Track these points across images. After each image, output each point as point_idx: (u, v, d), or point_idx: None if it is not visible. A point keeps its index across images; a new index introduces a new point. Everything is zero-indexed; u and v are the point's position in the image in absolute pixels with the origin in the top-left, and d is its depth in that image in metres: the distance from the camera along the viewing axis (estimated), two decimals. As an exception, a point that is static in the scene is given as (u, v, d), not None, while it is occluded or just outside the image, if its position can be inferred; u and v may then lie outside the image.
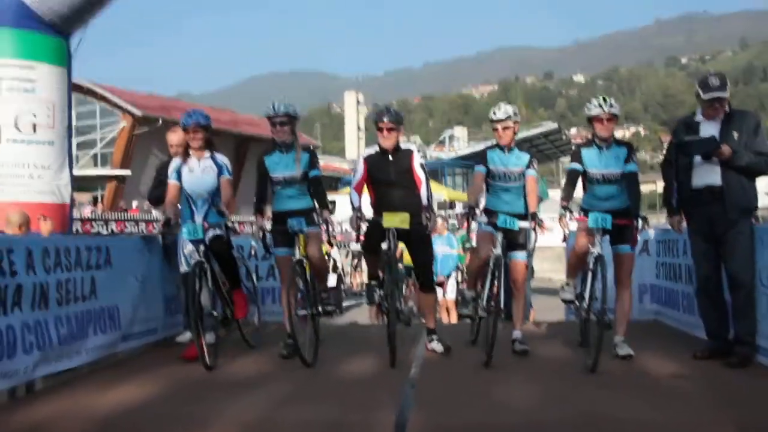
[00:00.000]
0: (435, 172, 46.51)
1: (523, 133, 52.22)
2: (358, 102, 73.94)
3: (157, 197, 7.40)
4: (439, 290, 12.19)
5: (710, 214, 5.57)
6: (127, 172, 37.43)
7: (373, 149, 6.17)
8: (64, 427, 4.32)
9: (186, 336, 7.10)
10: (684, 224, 5.91)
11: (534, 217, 5.77)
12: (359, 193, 6.07)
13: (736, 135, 5.49)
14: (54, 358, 5.27)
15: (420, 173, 6.03)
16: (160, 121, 35.07)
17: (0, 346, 4.70)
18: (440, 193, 33.07)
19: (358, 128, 72.65)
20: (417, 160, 6.06)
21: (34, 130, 8.66)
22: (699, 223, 5.72)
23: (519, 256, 6.09)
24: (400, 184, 6.07)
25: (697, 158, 5.61)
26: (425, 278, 6.41)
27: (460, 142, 76.91)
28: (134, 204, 32.73)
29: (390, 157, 6.05)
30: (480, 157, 6.14)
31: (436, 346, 6.23)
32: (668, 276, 7.53)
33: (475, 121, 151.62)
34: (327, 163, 50.25)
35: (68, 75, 9.22)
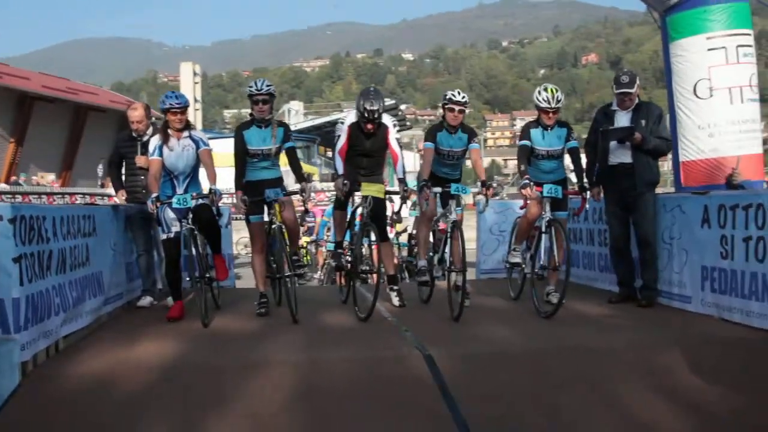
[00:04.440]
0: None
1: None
2: (195, 73, 71.61)
3: (117, 174, 7.67)
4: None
5: (623, 186, 6.90)
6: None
7: (355, 118, 6.80)
8: (125, 373, 4.77)
9: (146, 300, 7.50)
10: (602, 194, 7.19)
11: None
12: (343, 158, 6.77)
13: (643, 123, 6.83)
14: (69, 320, 5.59)
15: (396, 148, 6.88)
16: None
17: (42, 307, 5.02)
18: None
19: (195, 100, 70.04)
20: (392, 135, 6.87)
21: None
22: (613, 193, 7.04)
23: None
24: (375, 156, 6.91)
25: (614, 142, 6.91)
26: (383, 232, 7.19)
27: (299, 116, 77.34)
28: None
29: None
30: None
31: (395, 299, 7.08)
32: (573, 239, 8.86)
33: (307, 96, 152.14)
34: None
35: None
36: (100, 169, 37.41)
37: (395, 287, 7.17)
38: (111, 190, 33.23)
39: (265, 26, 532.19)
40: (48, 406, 4.39)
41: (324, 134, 58.04)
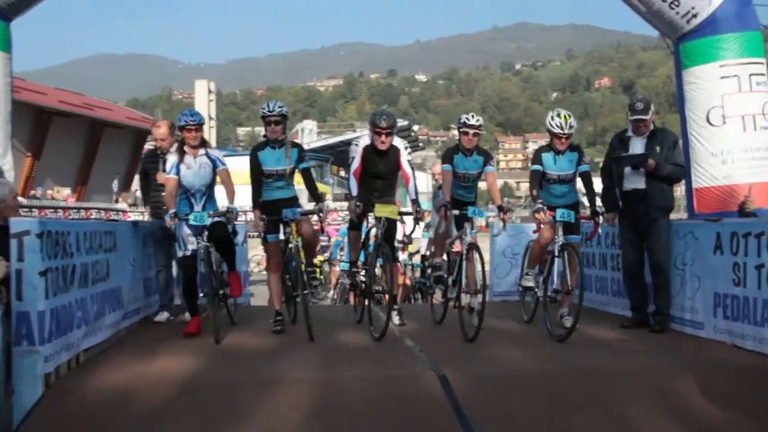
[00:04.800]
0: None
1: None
2: (210, 91, 72.26)
3: (145, 189, 7.87)
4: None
5: (637, 212, 6.97)
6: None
7: (369, 141, 6.92)
8: (144, 387, 4.86)
9: (163, 316, 7.61)
10: (616, 220, 7.25)
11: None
12: (357, 180, 6.90)
13: (658, 149, 6.91)
14: (90, 334, 5.70)
15: (408, 169, 6.99)
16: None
17: (65, 320, 5.13)
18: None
19: (210, 117, 70.45)
20: (404, 157, 6.99)
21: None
22: (628, 219, 7.11)
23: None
24: (387, 178, 7.03)
25: (628, 168, 6.99)
26: (393, 254, 7.27)
27: (312, 135, 78.00)
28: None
29: (382, 153, 6.92)
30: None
31: (395, 318, 7.12)
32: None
33: (321, 115, 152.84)
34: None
35: (10, 60, 9.21)
36: (115, 185, 37.80)
37: (396, 306, 7.25)
38: (125, 206, 33.53)
39: (279, 45, 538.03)
40: (70, 418, 4.49)
41: (337, 153, 58.37)
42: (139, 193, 34.02)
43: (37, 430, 4.35)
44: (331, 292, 14.12)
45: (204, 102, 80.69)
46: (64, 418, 4.48)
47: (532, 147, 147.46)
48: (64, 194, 34.93)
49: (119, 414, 4.54)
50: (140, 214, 28.36)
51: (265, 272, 8.41)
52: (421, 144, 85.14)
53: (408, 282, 11.68)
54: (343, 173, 57.27)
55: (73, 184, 37.52)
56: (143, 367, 5.33)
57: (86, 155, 38.32)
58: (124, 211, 32.94)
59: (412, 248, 12.71)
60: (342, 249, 13.17)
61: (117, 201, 36.60)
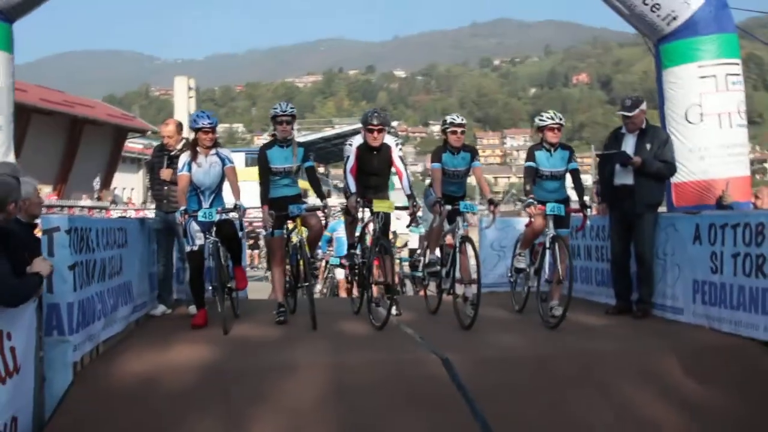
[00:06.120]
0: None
1: (358, 125, 54.75)
2: (189, 88, 71.65)
3: (151, 183, 8.17)
4: (342, 270, 13.60)
5: (624, 206, 7.39)
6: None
7: (362, 140, 7.29)
8: (168, 375, 5.19)
9: (159, 309, 7.87)
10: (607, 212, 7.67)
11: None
12: (354, 177, 7.24)
13: (648, 146, 7.33)
14: (108, 325, 6.00)
15: (400, 165, 7.35)
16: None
17: (89, 312, 5.44)
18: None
19: (189, 114, 69.82)
20: (396, 153, 7.35)
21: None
22: (616, 212, 7.55)
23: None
24: (381, 174, 7.39)
25: (618, 165, 7.40)
26: (389, 244, 7.61)
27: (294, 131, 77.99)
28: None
29: (375, 151, 7.27)
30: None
31: (393, 308, 7.23)
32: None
33: (299, 111, 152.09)
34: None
35: (12, 61, 9.44)
36: (96, 182, 37.75)
37: (394, 297, 7.60)
38: (107, 203, 33.41)
39: (258, 41, 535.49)
40: (101, 403, 4.81)
41: (316, 151, 58.45)
42: (118, 191, 34.05)
43: (72, 414, 4.65)
44: (319, 285, 14.44)
45: (183, 99, 79.80)
46: (96, 403, 4.78)
47: (510, 143, 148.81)
48: (44, 192, 34.83)
49: (147, 399, 4.85)
50: (122, 211, 28.44)
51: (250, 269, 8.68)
52: (400, 140, 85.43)
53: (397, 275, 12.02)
54: (322, 169, 57.41)
55: (54, 182, 37.42)
56: (161, 357, 5.64)
57: (67, 153, 38.21)
58: (106, 209, 32.94)
59: (399, 242, 13.10)
60: (330, 243, 13.51)
61: (99, 199, 36.56)
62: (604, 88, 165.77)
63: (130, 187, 47.37)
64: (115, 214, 28.53)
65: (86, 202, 34.18)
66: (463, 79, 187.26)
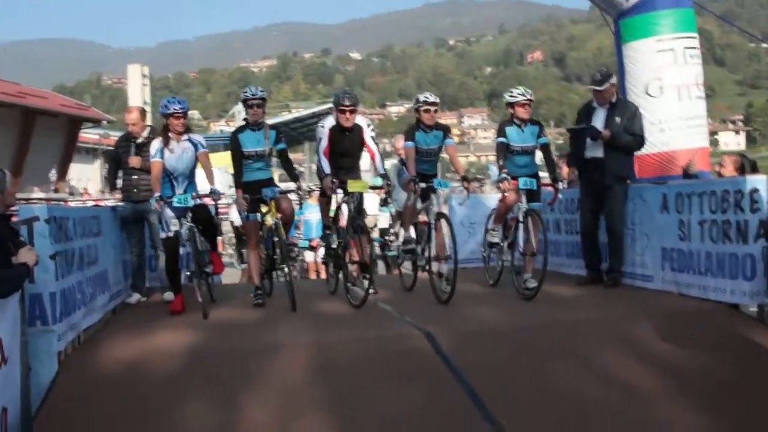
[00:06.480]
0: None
1: (315, 108, 54.75)
2: (143, 75, 70.53)
3: (113, 173, 8.04)
4: (311, 253, 13.66)
5: (594, 179, 7.57)
6: None
7: (334, 121, 7.32)
8: (153, 360, 5.20)
9: (134, 297, 7.83)
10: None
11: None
12: (328, 158, 7.27)
13: (618, 119, 7.51)
14: (87, 314, 5.97)
15: (372, 145, 7.41)
16: None
17: (70, 301, 5.41)
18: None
19: (145, 102, 69.12)
20: (368, 134, 7.40)
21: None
22: (586, 185, 7.73)
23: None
24: (353, 155, 7.45)
25: (588, 139, 7.57)
26: (364, 224, 7.69)
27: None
28: None
29: (347, 131, 7.32)
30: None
31: (367, 285, 7.47)
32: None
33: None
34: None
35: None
36: (52, 174, 36.95)
37: (368, 275, 7.68)
38: (64, 195, 32.80)
39: (209, 26, 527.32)
40: (89, 390, 4.80)
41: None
42: (74, 182, 33.25)
43: (61, 403, 4.65)
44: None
45: (138, 87, 78.60)
46: (84, 391, 4.78)
47: (468, 122, 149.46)
48: (1, 186, 33.99)
49: (134, 386, 4.86)
50: (81, 202, 28.02)
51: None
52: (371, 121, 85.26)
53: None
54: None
55: (9, 176, 36.52)
56: (144, 344, 5.63)
57: (20, 146, 37.31)
58: (64, 200, 32.33)
59: (369, 222, 13.14)
60: (298, 227, 13.52)
61: (56, 190, 35.83)
62: (558, 65, 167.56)
63: (86, 178, 46.49)
64: (73, 205, 27.96)
65: (41, 194, 33.47)
66: (419, 60, 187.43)
